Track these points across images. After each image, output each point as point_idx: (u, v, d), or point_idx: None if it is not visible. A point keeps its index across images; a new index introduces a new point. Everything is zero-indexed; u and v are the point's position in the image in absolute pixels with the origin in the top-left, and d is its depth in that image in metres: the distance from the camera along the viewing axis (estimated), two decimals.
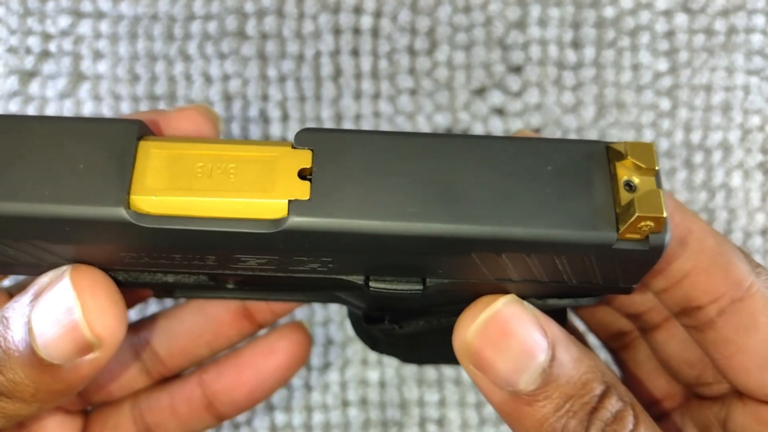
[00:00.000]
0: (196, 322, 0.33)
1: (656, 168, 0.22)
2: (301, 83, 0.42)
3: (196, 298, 0.31)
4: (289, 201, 0.21)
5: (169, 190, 0.21)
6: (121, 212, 0.21)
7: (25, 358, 0.24)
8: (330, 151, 0.22)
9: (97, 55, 0.42)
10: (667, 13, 0.42)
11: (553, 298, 0.26)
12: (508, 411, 0.24)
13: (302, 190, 0.21)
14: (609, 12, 0.42)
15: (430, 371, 0.43)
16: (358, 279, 0.24)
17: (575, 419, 0.23)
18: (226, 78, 0.42)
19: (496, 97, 0.42)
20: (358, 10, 0.42)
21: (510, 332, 0.24)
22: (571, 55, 0.42)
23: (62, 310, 0.24)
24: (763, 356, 0.25)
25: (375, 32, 0.42)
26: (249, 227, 0.21)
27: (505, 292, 0.25)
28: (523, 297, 0.25)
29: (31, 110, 0.42)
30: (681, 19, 0.42)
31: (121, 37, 0.42)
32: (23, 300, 0.24)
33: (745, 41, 0.43)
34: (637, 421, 0.23)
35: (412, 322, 0.29)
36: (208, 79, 0.42)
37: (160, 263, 0.24)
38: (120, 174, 0.21)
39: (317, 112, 0.42)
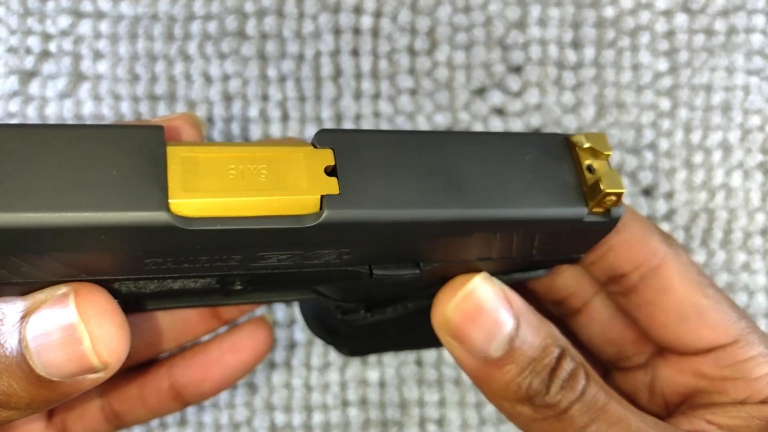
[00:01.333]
0: (163, 318, 0.34)
1: (610, 153, 0.26)
2: (301, 83, 0.42)
3: (168, 309, 0.31)
4: (322, 196, 0.22)
5: (206, 192, 0.21)
6: (165, 216, 0.21)
7: (20, 372, 0.23)
8: (349, 148, 0.24)
9: (97, 55, 0.42)
10: (667, 13, 0.42)
11: (517, 273, 0.30)
12: (480, 376, 0.28)
13: (331, 186, 0.23)
14: (609, 12, 0.42)
15: (430, 371, 0.43)
16: (363, 269, 0.27)
17: (538, 378, 0.27)
18: (226, 78, 0.42)
19: (496, 97, 0.42)
20: (358, 10, 0.42)
21: (483, 307, 0.27)
22: (571, 55, 0.42)
23: (66, 337, 0.23)
24: (679, 312, 0.30)
25: (375, 32, 0.42)
26: (285, 223, 0.22)
27: (476, 270, 0.28)
28: (493, 273, 0.28)
29: (31, 110, 0.42)
30: (681, 19, 0.42)
31: (121, 37, 0.42)
32: (12, 311, 0.24)
33: (745, 41, 0.43)
34: (588, 378, 0.27)
35: (382, 310, 0.32)
36: (208, 79, 0.42)
37: (183, 267, 0.24)
38: (155, 179, 0.21)
39: (317, 112, 0.42)
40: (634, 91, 0.43)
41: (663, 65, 0.42)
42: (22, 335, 0.23)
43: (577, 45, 0.42)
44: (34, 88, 0.42)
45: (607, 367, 0.35)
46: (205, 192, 0.21)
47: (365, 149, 0.24)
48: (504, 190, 0.25)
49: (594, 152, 0.26)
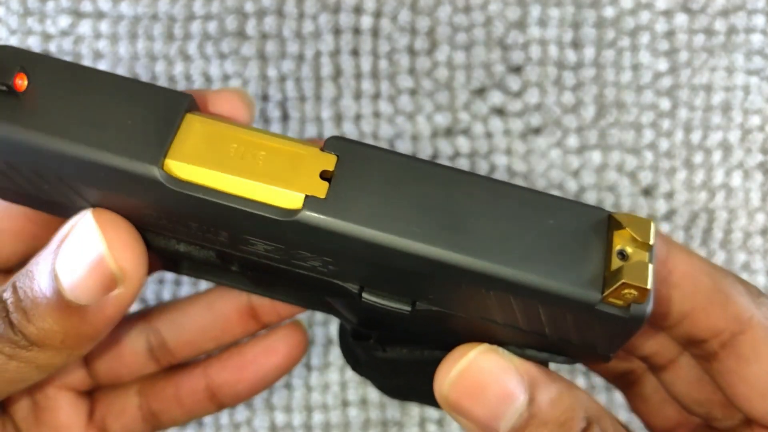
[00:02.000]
0: (204, 317, 0.35)
1: (650, 243, 0.23)
2: (301, 83, 0.42)
3: (201, 279, 0.32)
4: (306, 196, 0.22)
5: (201, 161, 0.23)
6: (154, 171, 0.22)
7: (53, 304, 0.25)
8: (354, 160, 0.23)
9: (97, 55, 0.42)
10: (667, 13, 0.42)
11: (532, 350, 0.27)
12: None
13: (320, 189, 0.23)
14: (609, 12, 0.42)
15: None
16: (354, 287, 0.25)
17: None
18: (226, 78, 0.42)
19: (496, 97, 0.42)
20: (358, 10, 0.42)
21: (484, 383, 0.25)
22: (571, 55, 0.42)
23: (87, 247, 0.25)
24: (763, 386, 0.27)
25: (375, 32, 0.42)
26: (264, 211, 0.23)
27: (490, 333, 0.26)
28: (504, 343, 0.26)
29: None
30: (681, 19, 0.42)
31: (121, 37, 0.42)
32: (47, 251, 0.25)
33: (745, 41, 0.43)
34: None
35: (397, 348, 0.30)
36: (208, 79, 0.42)
37: (177, 229, 0.25)
38: (162, 137, 0.23)
39: (317, 112, 0.42)
40: (634, 91, 0.43)
41: (663, 65, 0.42)
42: (53, 266, 0.25)
43: (577, 45, 0.42)
44: None
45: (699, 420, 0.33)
46: (200, 161, 0.23)
47: (371, 165, 0.23)
48: (505, 247, 0.23)
49: (633, 238, 0.23)
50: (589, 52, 0.42)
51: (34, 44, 0.42)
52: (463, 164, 0.42)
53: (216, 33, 0.42)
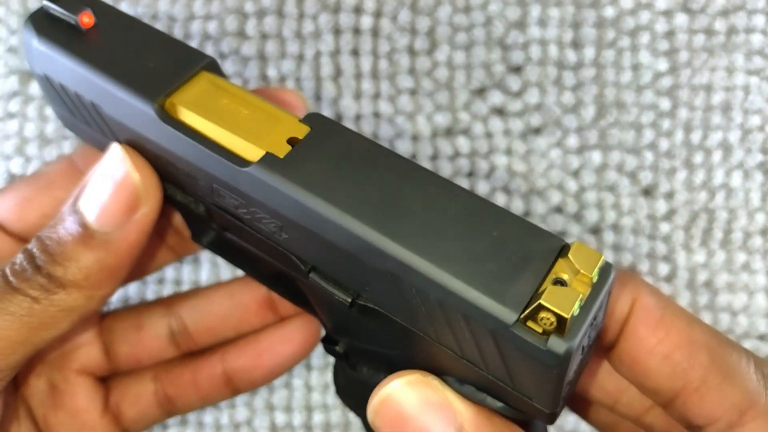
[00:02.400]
0: (225, 305, 0.36)
1: (592, 277, 0.21)
2: (301, 83, 0.42)
3: (212, 251, 0.33)
4: (266, 153, 0.24)
5: (192, 106, 0.26)
6: (149, 106, 0.25)
7: (78, 239, 0.27)
8: (323, 135, 0.25)
9: None
10: (667, 13, 0.42)
11: (472, 387, 0.25)
12: None
13: (281, 150, 0.24)
14: (609, 12, 0.42)
15: None
16: (305, 265, 0.26)
17: None
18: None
19: (496, 97, 0.42)
20: (358, 10, 0.42)
21: (405, 415, 0.24)
22: (571, 55, 0.42)
23: (112, 171, 0.27)
24: None
25: (375, 32, 0.42)
26: (225, 157, 0.24)
27: (435, 360, 0.25)
28: (446, 373, 0.25)
29: (31, 110, 0.42)
30: (681, 19, 0.42)
31: None
32: (68, 203, 0.28)
33: (745, 41, 0.43)
34: None
35: (363, 367, 0.30)
36: None
37: (167, 171, 0.28)
38: (170, 82, 0.26)
39: (317, 112, 0.42)
40: (634, 91, 0.43)
41: (663, 65, 0.42)
42: (77, 206, 0.27)
43: (577, 45, 0.42)
44: (34, 88, 0.42)
45: None
46: (191, 106, 0.26)
47: (337, 142, 0.25)
48: (438, 243, 0.22)
49: (574, 269, 0.22)
50: (589, 52, 0.42)
51: None
52: (463, 164, 0.42)
53: (216, 33, 0.42)
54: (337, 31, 0.42)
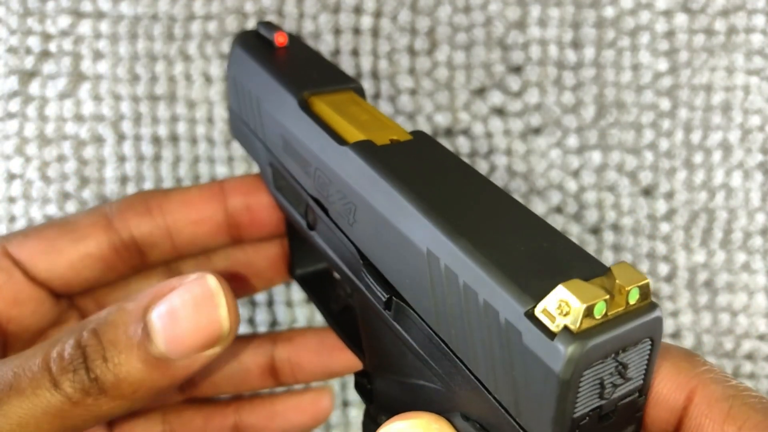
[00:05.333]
0: (229, 362, 0.37)
1: (627, 291, 0.19)
2: None
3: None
4: (365, 139, 0.27)
5: (326, 104, 0.29)
6: (294, 97, 0.30)
7: (140, 355, 0.25)
8: (421, 145, 0.27)
9: (97, 55, 0.42)
10: (667, 13, 0.42)
11: (478, 424, 0.23)
12: None
13: (380, 142, 0.27)
14: (609, 12, 0.42)
15: None
16: (363, 258, 0.27)
17: None
18: (226, 78, 0.42)
19: (496, 97, 0.42)
20: (358, 10, 0.42)
21: None
22: (571, 55, 0.42)
23: (202, 307, 0.26)
24: None
25: (375, 32, 0.42)
26: (331, 135, 0.28)
27: (451, 388, 0.23)
28: (469, 414, 0.23)
29: (31, 110, 0.42)
30: (681, 19, 0.42)
31: (121, 37, 0.42)
32: (138, 302, 0.26)
33: (745, 41, 0.43)
34: None
35: (383, 416, 0.28)
36: (208, 79, 0.42)
37: (289, 182, 0.31)
38: (319, 88, 0.30)
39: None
40: (634, 91, 0.42)
41: (663, 65, 0.42)
42: (148, 317, 0.25)
43: (577, 45, 0.42)
44: (34, 88, 0.42)
45: None
46: (326, 103, 0.29)
47: (429, 152, 0.26)
48: (481, 236, 0.22)
49: (614, 284, 0.20)
50: (589, 52, 0.42)
51: (33, 44, 0.42)
52: None
53: (216, 33, 0.42)
54: (337, 31, 0.42)
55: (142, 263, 0.34)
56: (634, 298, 0.20)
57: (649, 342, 0.20)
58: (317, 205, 0.29)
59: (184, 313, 0.26)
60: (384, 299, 0.25)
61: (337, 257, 0.29)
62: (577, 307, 0.18)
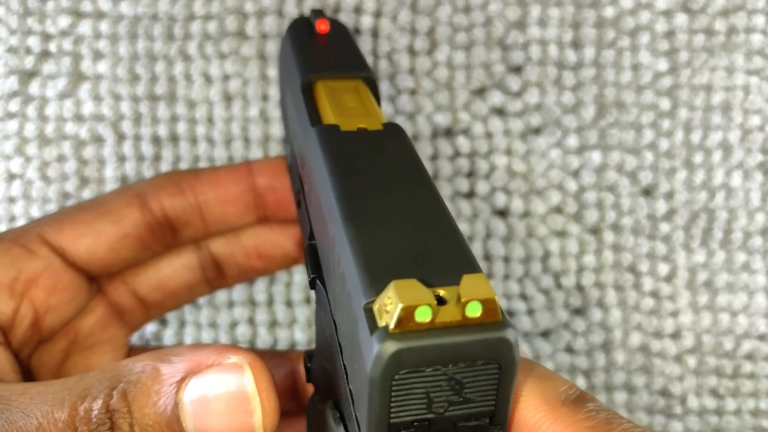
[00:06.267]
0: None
1: (464, 303, 0.18)
2: None
3: None
4: (333, 124, 0.27)
5: (325, 89, 0.30)
6: (299, 78, 0.30)
7: (164, 429, 0.24)
8: (386, 138, 0.27)
9: (97, 55, 0.42)
10: (667, 13, 0.42)
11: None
12: None
13: (345, 127, 0.27)
14: (609, 12, 0.42)
15: None
16: (310, 238, 0.27)
17: None
18: (226, 78, 0.42)
19: (496, 97, 0.42)
20: (357, 10, 0.42)
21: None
22: (571, 55, 0.42)
23: (235, 407, 0.24)
24: None
25: (375, 32, 0.42)
26: (310, 115, 0.28)
27: (333, 376, 0.24)
28: (338, 402, 0.23)
29: (31, 110, 0.42)
30: (681, 19, 0.42)
31: (121, 37, 0.42)
32: (177, 365, 0.24)
33: (745, 41, 0.43)
34: None
35: (316, 360, 0.28)
36: (208, 79, 0.42)
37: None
38: (330, 73, 0.31)
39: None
40: (634, 91, 0.42)
41: (663, 65, 0.42)
42: (180, 395, 0.23)
43: (577, 45, 0.42)
44: (34, 88, 0.42)
45: None
46: (325, 88, 0.30)
47: (390, 147, 0.27)
48: (372, 225, 0.21)
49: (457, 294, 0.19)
50: (589, 52, 0.42)
51: (33, 44, 0.42)
52: (463, 164, 0.42)
53: (216, 33, 0.42)
54: None
55: (173, 241, 0.34)
56: (474, 312, 0.18)
57: (496, 365, 0.19)
58: (300, 184, 0.30)
59: (217, 408, 0.24)
60: (309, 278, 0.25)
61: (306, 238, 0.29)
62: (397, 306, 0.18)
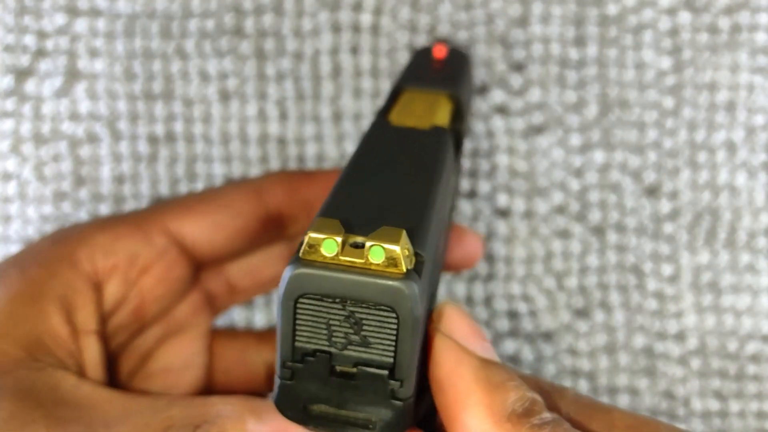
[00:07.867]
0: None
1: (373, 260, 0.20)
2: (299, 82, 0.42)
3: None
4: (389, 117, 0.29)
5: (411, 96, 0.32)
6: (396, 87, 0.33)
7: None
8: (419, 139, 0.28)
9: (94, 53, 0.42)
10: (671, 11, 0.42)
11: None
12: None
13: (397, 123, 0.29)
14: (612, 10, 0.42)
15: None
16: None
17: None
18: (223, 76, 0.42)
19: (497, 96, 0.42)
20: (357, 8, 0.42)
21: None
22: (573, 53, 0.42)
23: None
24: None
25: (375, 30, 0.42)
26: (383, 115, 0.30)
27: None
28: None
29: (27, 109, 0.42)
30: (684, 17, 0.42)
31: (118, 35, 0.42)
32: (264, 428, 0.24)
33: (749, 39, 0.42)
34: None
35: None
36: (205, 78, 0.42)
37: None
38: (422, 87, 0.33)
39: (316, 111, 0.42)
40: (638, 90, 0.42)
41: (666, 63, 0.42)
42: None
43: (579, 43, 0.42)
44: (29, 86, 0.42)
45: None
46: (406, 98, 0.32)
47: (424, 143, 0.28)
48: (358, 182, 0.24)
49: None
50: (591, 50, 0.42)
51: (30, 42, 0.42)
52: (464, 163, 0.42)
53: (213, 31, 0.42)
54: (336, 29, 0.42)
55: (279, 236, 0.35)
56: (377, 257, 0.19)
57: (394, 314, 0.20)
58: None
59: None
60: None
61: None
62: (307, 235, 0.20)
